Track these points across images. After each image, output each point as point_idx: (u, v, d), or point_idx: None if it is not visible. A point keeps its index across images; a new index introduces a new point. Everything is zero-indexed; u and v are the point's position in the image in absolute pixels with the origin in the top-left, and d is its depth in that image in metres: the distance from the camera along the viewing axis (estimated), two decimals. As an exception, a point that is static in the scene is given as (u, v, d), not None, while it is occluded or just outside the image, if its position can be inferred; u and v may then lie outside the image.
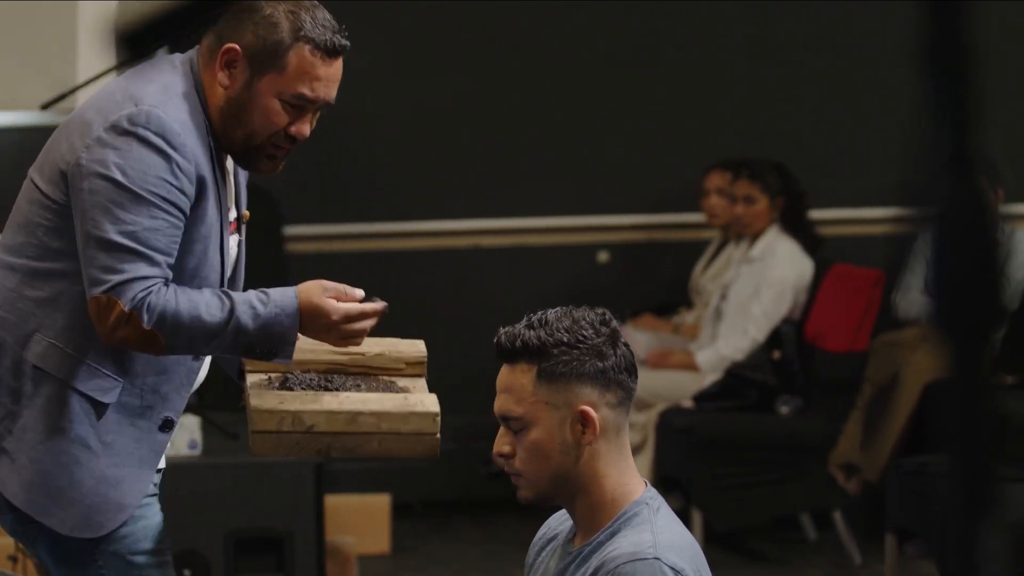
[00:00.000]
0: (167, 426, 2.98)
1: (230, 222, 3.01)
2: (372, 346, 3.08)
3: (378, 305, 2.95)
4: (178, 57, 2.97)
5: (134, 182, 2.78)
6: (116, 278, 2.77)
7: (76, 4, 5.74)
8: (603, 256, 6.92)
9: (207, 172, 2.87)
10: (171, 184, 2.81)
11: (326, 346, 2.99)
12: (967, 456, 1.14)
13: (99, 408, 2.91)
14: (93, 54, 5.45)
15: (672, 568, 2.49)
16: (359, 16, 6.67)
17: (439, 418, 2.85)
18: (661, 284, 6.86)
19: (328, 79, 2.91)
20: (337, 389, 2.98)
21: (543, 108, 6.83)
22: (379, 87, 6.56)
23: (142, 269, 2.78)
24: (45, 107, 5.34)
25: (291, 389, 2.96)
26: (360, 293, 2.96)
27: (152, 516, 3.01)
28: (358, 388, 3.00)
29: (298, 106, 2.89)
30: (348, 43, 2.93)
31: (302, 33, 2.87)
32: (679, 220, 6.90)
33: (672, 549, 2.53)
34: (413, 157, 6.78)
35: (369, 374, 3.06)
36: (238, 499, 4.95)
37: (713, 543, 5.95)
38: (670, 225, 6.93)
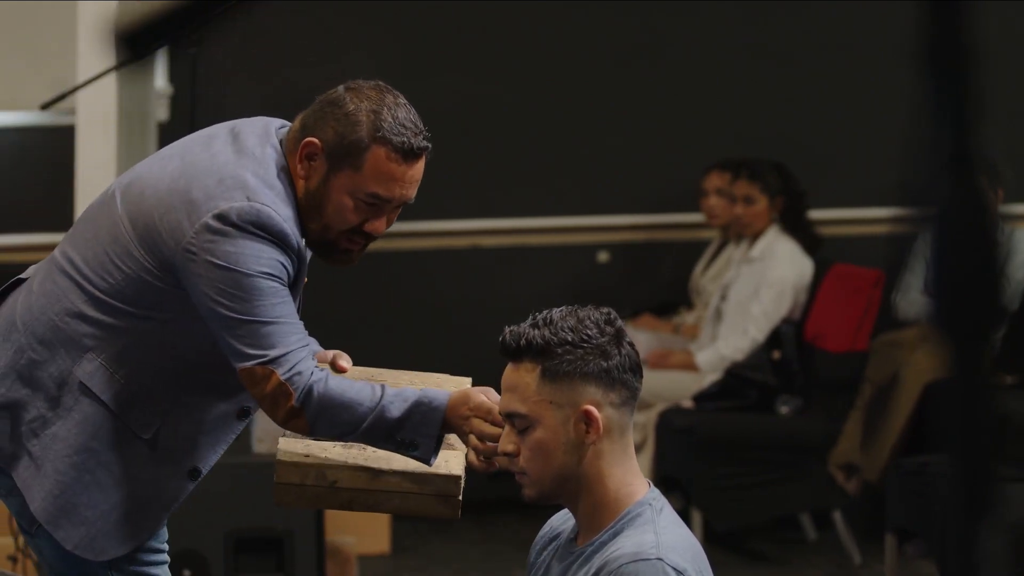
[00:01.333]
0: (194, 475, 3.00)
1: None
2: (416, 380, 3.08)
3: (346, 363, 2.98)
4: (270, 128, 2.96)
5: (249, 268, 2.81)
6: (271, 353, 2.82)
7: (76, 4, 5.74)
8: (603, 256, 6.92)
9: (305, 259, 2.94)
10: (282, 264, 2.85)
11: (369, 376, 3.01)
12: (967, 456, 1.14)
13: (134, 441, 2.94)
14: (93, 54, 5.45)
15: (675, 568, 2.49)
16: (360, 16, 6.69)
17: (462, 481, 2.85)
18: (661, 284, 6.86)
19: (405, 180, 2.93)
20: None
21: (543, 108, 6.83)
22: (379, 87, 6.56)
23: (291, 342, 2.83)
24: (45, 107, 5.34)
25: None
26: (344, 362, 3.00)
27: None
28: None
29: (373, 204, 2.91)
30: (429, 145, 2.95)
31: (380, 134, 2.88)
32: (679, 220, 6.90)
33: (675, 550, 2.53)
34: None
35: None
36: (238, 499, 4.95)
37: (713, 543, 5.94)
38: (670, 225, 6.93)
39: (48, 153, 6.50)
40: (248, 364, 2.82)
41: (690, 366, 6.23)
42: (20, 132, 6.65)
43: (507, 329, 2.66)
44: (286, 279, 2.87)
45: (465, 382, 3.12)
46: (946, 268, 1.13)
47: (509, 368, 2.66)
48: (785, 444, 6.02)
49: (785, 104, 6.85)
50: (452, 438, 3.00)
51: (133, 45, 1.45)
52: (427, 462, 2.89)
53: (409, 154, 2.91)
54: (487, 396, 2.89)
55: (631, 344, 2.67)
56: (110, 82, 5.54)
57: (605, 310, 2.66)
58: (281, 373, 2.81)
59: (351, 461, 2.87)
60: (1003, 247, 1.14)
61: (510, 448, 2.65)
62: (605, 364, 2.61)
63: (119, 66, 4.94)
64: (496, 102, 6.82)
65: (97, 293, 2.92)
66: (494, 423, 2.85)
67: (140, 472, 2.95)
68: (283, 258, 2.85)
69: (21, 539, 4.85)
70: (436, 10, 6.76)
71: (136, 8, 1.44)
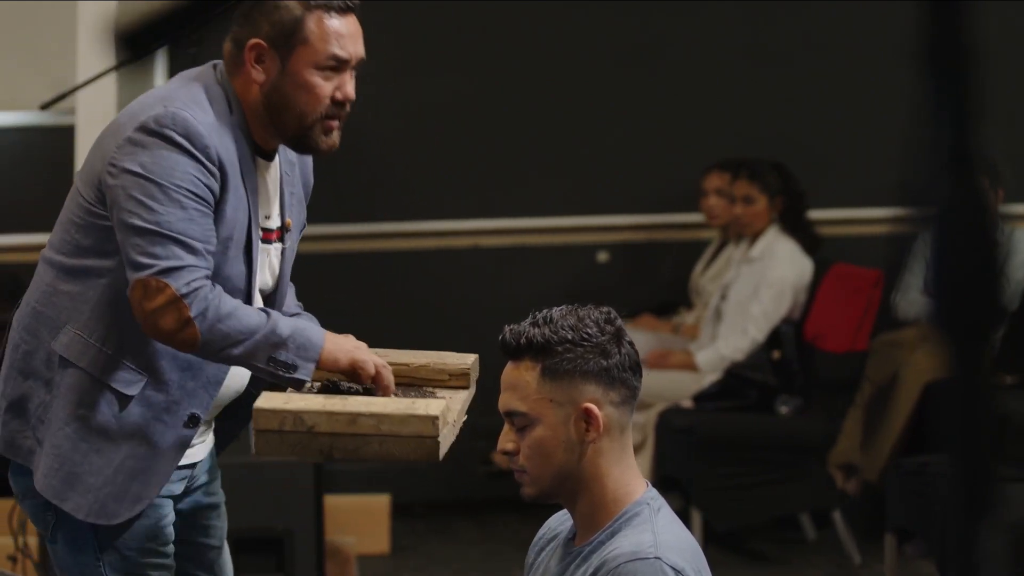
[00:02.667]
0: (193, 421, 3.01)
1: (271, 230, 3.07)
2: (420, 357, 3.14)
3: (389, 379, 3.01)
4: (207, 66, 3.04)
5: (161, 176, 2.86)
6: (164, 264, 2.84)
7: (76, 4, 5.74)
8: (603, 256, 6.91)
9: (232, 176, 2.93)
10: (198, 179, 2.88)
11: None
12: (967, 456, 1.14)
13: (123, 400, 2.96)
14: (93, 54, 5.45)
15: (673, 568, 2.50)
16: (360, 16, 6.68)
17: (438, 421, 2.84)
18: (661, 284, 6.86)
19: (351, 35, 3.01)
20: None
21: (543, 108, 6.83)
22: (379, 87, 6.56)
23: (187, 258, 2.85)
24: (45, 107, 5.34)
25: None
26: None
27: (158, 518, 3.04)
28: (395, 395, 3.01)
29: (335, 68, 2.97)
30: (357, 1, 3.03)
31: (310, 3, 2.96)
32: (679, 220, 6.90)
33: (673, 549, 2.54)
34: (413, 157, 6.78)
35: (413, 384, 3.09)
36: (238, 499, 4.93)
37: (713, 543, 5.95)
38: (670, 225, 6.93)
39: (48, 153, 6.49)
40: (142, 275, 2.84)
41: (690, 366, 6.23)
42: (20, 132, 6.65)
43: (507, 328, 2.66)
44: (206, 197, 2.89)
45: (470, 358, 3.16)
46: (946, 268, 1.13)
47: (509, 367, 2.67)
48: (785, 444, 6.02)
49: (785, 104, 6.85)
50: (443, 398, 3.02)
51: (133, 45, 1.45)
52: (301, 386, 2.92)
53: (343, 8, 3.00)
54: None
55: (631, 343, 2.68)
56: (110, 82, 5.54)
57: (605, 309, 2.67)
58: (177, 286, 2.83)
59: (328, 407, 2.88)
60: (1003, 247, 1.14)
61: (509, 447, 2.65)
62: (605, 363, 2.62)
63: (119, 66, 4.94)
64: (496, 102, 6.82)
65: (64, 260, 2.98)
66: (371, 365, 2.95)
67: (136, 429, 2.97)
68: (200, 172, 2.88)
69: (21, 539, 4.85)
70: (436, 10, 6.76)
71: (136, 8, 1.44)
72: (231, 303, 2.87)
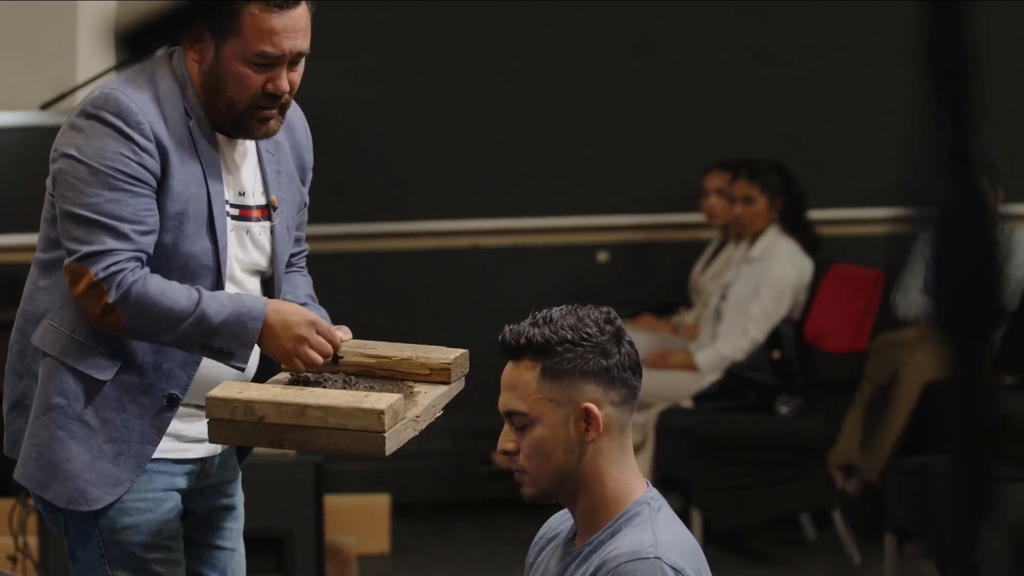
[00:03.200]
0: (171, 402, 3.01)
1: (249, 207, 3.04)
2: (404, 351, 3.13)
3: (345, 334, 3.01)
4: (169, 51, 3.04)
5: (92, 158, 2.87)
6: (85, 248, 2.85)
7: (76, 4, 5.74)
8: (603, 256, 6.91)
9: (178, 150, 2.92)
10: (129, 159, 2.88)
11: (360, 348, 3.07)
12: (967, 456, 1.14)
13: (96, 385, 2.96)
14: (93, 54, 5.45)
15: (673, 568, 2.49)
16: (360, 16, 6.68)
17: (384, 416, 2.82)
18: (661, 284, 6.86)
19: (288, 30, 2.94)
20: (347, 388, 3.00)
21: (543, 108, 6.83)
22: (379, 87, 6.56)
23: (109, 242, 2.85)
24: (45, 107, 5.34)
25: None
26: (342, 334, 3.02)
27: (162, 512, 3.03)
28: (371, 389, 3.00)
29: (265, 64, 2.93)
30: None
31: None
32: (679, 220, 6.90)
33: (673, 549, 2.54)
34: (413, 157, 6.78)
35: (394, 378, 3.07)
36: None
37: (713, 543, 5.95)
38: (670, 225, 6.93)
39: (48, 153, 6.48)
40: (68, 260, 2.87)
41: (689, 366, 6.23)
42: (20, 132, 6.65)
43: (507, 328, 2.66)
44: (139, 175, 2.88)
45: (455, 353, 3.15)
46: (946, 268, 1.13)
47: (509, 367, 2.66)
48: (785, 444, 6.02)
49: (785, 104, 6.85)
50: (417, 393, 3.01)
51: (133, 45, 1.45)
52: (242, 369, 2.91)
53: (283, 3, 2.93)
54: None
55: (631, 343, 2.68)
56: (110, 82, 5.53)
57: (605, 309, 2.67)
58: (96, 271, 2.84)
59: (280, 398, 2.87)
60: (1003, 247, 1.14)
61: (509, 446, 2.65)
62: (605, 362, 2.62)
63: (119, 66, 4.94)
64: (496, 102, 6.82)
65: (40, 257, 3.01)
66: (321, 333, 2.93)
67: (113, 414, 2.97)
68: (132, 152, 2.88)
69: (21, 539, 4.85)
70: (436, 10, 6.75)
71: (136, 8, 1.44)
72: (157, 287, 2.86)
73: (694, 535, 2.69)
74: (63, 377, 2.96)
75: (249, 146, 3.06)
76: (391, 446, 2.85)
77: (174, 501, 3.05)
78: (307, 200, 3.22)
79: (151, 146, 2.89)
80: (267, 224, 3.08)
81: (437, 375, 3.11)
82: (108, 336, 2.95)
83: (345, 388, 3.00)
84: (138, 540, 3.00)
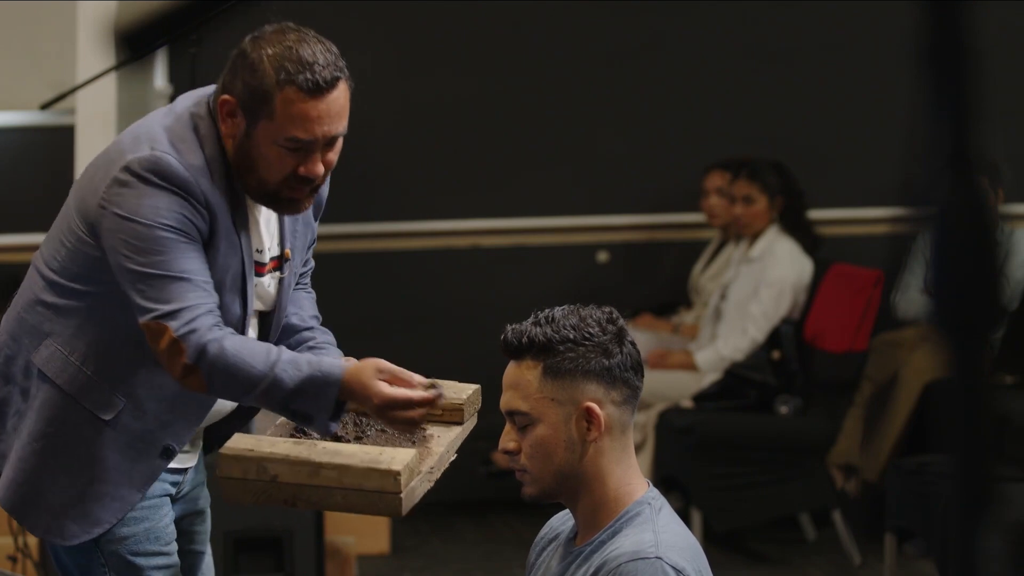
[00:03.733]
0: (167, 454, 2.97)
1: (263, 263, 3.00)
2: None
3: (429, 394, 2.83)
4: (202, 96, 2.96)
5: (149, 218, 2.79)
6: (164, 307, 2.78)
7: (76, 4, 5.74)
8: (603, 256, 6.92)
9: (223, 219, 2.87)
10: (184, 216, 2.81)
11: None
12: (967, 456, 1.14)
13: (96, 423, 2.92)
14: (93, 54, 5.45)
15: (674, 567, 2.50)
16: (359, 16, 6.69)
17: (400, 477, 2.77)
18: (661, 284, 6.86)
19: (322, 116, 2.84)
20: (360, 435, 2.95)
21: (543, 108, 6.83)
22: (379, 87, 6.56)
23: (186, 297, 2.79)
24: (45, 107, 5.34)
25: (306, 430, 2.94)
26: (418, 379, 2.86)
27: (158, 519, 3.02)
28: (383, 432, 2.96)
29: (297, 149, 2.85)
30: (340, 74, 2.87)
31: (283, 77, 2.82)
32: (679, 220, 6.90)
33: (674, 549, 2.54)
34: (412, 157, 6.78)
35: None
36: (238, 499, 4.94)
37: (713, 543, 5.95)
38: (670, 225, 6.94)
39: (48, 153, 6.49)
40: (146, 319, 2.79)
41: (689, 366, 6.23)
42: (20, 132, 6.65)
43: (509, 327, 2.67)
44: (194, 234, 2.82)
45: (468, 390, 3.08)
46: (946, 268, 1.13)
47: (511, 366, 2.67)
48: (785, 444, 6.02)
49: (785, 104, 6.85)
50: (430, 438, 2.97)
51: (133, 45, 1.45)
52: (324, 434, 2.84)
53: (316, 90, 2.83)
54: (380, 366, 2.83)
55: (633, 343, 2.68)
56: (110, 82, 5.54)
57: (607, 309, 2.67)
58: (175, 328, 2.77)
59: (293, 455, 2.81)
60: (1003, 247, 1.14)
61: (511, 446, 2.65)
62: (607, 362, 2.62)
63: (119, 66, 4.94)
64: (496, 102, 6.82)
65: (51, 275, 2.94)
66: (397, 382, 2.81)
67: (106, 454, 2.92)
68: (187, 210, 2.81)
69: (21, 539, 4.85)
70: (436, 10, 6.76)
71: (136, 8, 1.44)
72: (233, 347, 2.78)
73: (694, 535, 2.69)
74: (63, 408, 2.91)
75: None
76: (407, 505, 2.81)
77: (168, 506, 3.05)
78: (316, 236, 3.17)
79: (203, 210, 2.83)
80: (276, 275, 3.04)
81: (449, 415, 3.05)
82: (118, 377, 2.91)
83: (357, 431, 2.94)
84: (137, 548, 3.00)
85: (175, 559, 3.05)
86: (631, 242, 6.91)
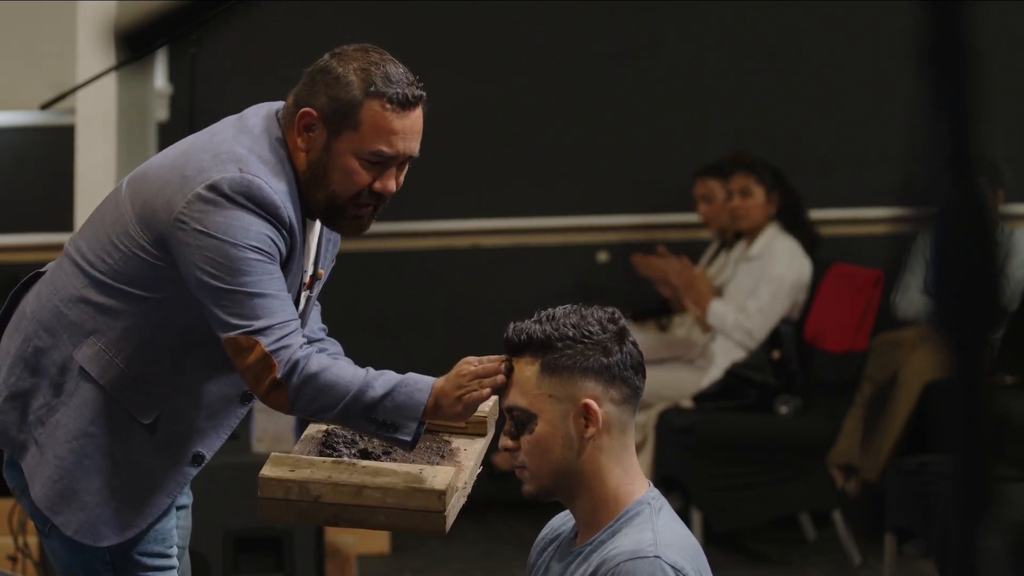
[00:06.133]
0: (197, 460, 3.00)
1: (306, 281, 3.03)
2: None
3: (498, 360, 2.78)
4: (273, 107, 2.97)
5: (239, 238, 2.79)
6: (256, 324, 2.78)
7: (76, 4, 5.74)
8: (603, 256, 6.92)
9: (296, 242, 2.89)
10: (271, 240, 2.82)
11: None
12: (967, 456, 1.15)
13: (134, 426, 2.93)
14: (92, 54, 5.45)
15: (673, 567, 2.50)
16: (359, 16, 6.68)
17: (445, 497, 2.80)
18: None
19: (405, 132, 2.91)
20: (388, 450, 2.95)
21: (543, 108, 6.83)
22: (379, 87, 6.56)
23: (278, 315, 2.80)
24: (45, 107, 5.34)
25: (334, 446, 2.95)
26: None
27: (163, 521, 3.03)
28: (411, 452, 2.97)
29: (378, 163, 2.90)
30: (423, 94, 2.96)
31: (372, 89, 2.88)
32: (679, 220, 6.90)
33: (673, 548, 2.54)
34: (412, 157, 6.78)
35: (429, 431, 3.00)
36: (238, 499, 4.94)
37: (713, 543, 5.95)
38: (670, 225, 6.94)
39: (48, 153, 6.50)
40: (232, 334, 2.79)
41: (704, 298, 6.23)
42: (20, 132, 6.65)
43: (511, 324, 2.69)
44: (277, 256, 2.83)
45: (488, 403, 3.04)
46: (946, 268, 1.13)
47: (511, 362, 2.68)
48: (785, 444, 6.02)
49: (785, 104, 6.85)
50: (457, 451, 2.98)
51: (133, 45, 1.45)
52: (408, 447, 2.83)
53: (405, 103, 2.91)
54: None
55: (634, 343, 2.69)
56: (110, 82, 5.54)
57: (610, 309, 2.68)
58: (266, 344, 2.77)
59: (335, 477, 2.83)
60: (1003, 247, 1.14)
61: (510, 443, 2.67)
62: (606, 360, 2.63)
63: (119, 66, 4.94)
64: (496, 102, 6.82)
65: (98, 275, 2.93)
66: (481, 376, 2.77)
67: (142, 458, 2.94)
68: (273, 233, 2.82)
69: (21, 539, 4.85)
70: (436, 10, 6.76)
71: (136, 8, 1.44)
72: (321, 364, 2.80)
73: (694, 535, 2.69)
74: (104, 408, 2.92)
75: (318, 224, 3.02)
76: (449, 523, 2.84)
77: (172, 510, 3.07)
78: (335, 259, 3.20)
79: (287, 236, 2.85)
80: (307, 294, 3.06)
81: (473, 427, 3.06)
82: (160, 381, 2.92)
83: (384, 445, 2.94)
84: (143, 549, 3.01)
85: (175, 562, 3.06)
86: (631, 242, 6.91)
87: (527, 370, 2.64)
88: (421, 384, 2.81)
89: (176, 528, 3.17)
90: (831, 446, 5.95)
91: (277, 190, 2.83)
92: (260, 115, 2.96)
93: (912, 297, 5.82)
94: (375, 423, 2.81)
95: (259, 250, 2.80)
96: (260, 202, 2.81)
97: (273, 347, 2.78)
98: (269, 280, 2.80)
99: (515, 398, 2.65)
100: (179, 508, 3.18)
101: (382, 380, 2.80)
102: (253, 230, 2.80)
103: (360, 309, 6.57)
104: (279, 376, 2.78)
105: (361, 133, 2.87)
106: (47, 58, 6.51)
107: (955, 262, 1.13)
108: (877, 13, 6.64)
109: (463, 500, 2.95)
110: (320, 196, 2.90)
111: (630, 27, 6.83)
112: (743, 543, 6.21)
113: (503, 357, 2.73)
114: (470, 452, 3.01)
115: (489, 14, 6.81)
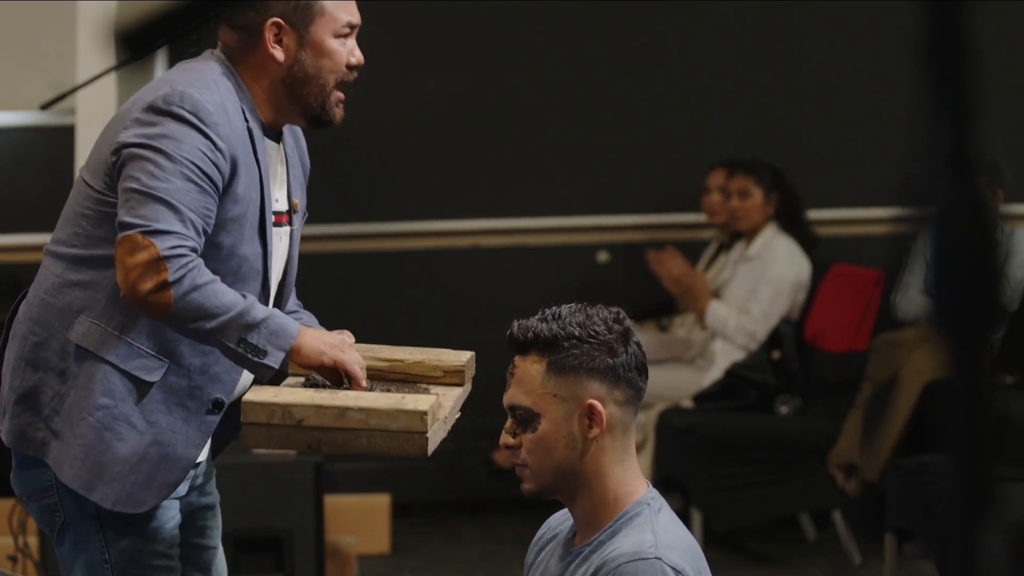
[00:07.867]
0: (217, 407, 3.01)
1: (280, 212, 3.07)
2: (415, 354, 3.14)
3: (348, 338, 3.04)
4: (206, 53, 3.05)
5: (167, 147, 2.85)
6: (155, 225, 2.82)
7: (76, 4, 5.74)
8: (603, 256, 6.92)
9: (241, 154, 2.94)
10: (206, 156, 2.87)
11: (370, 352, 3.07)
12: (967, 456, 1.14)
13: (144, 387, 2.95)
14: (92, 54, 5.45)
15: (673, 568, 2.50)
16: (359, 14, 6.68)
17: (427, 417, 2.83)
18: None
19: (353, 2, 3.10)
20: (369, 389, 3.00)
21: (543, 108, 6.83)
22: (379, 87, 6.56)
23: (178, 227, 2.83)
24: (45, 107, 5.34)
25: (316, 386, 3.00)
26: (345, 337, 3.05)
27: (165, 519, 3.03)
28: (388, 391, 3.00)
29: (348, 34, 3.06)
30: None
31: None
32: (679, 220, 6.91)
33: (673, 549, 2.54)
34: (412, 157, 6.78)
35: (407, 381, 3.09)
36: (238, 499, 4.95)
37: (713, 543, 5.95)
38: (670, 225, 6.94)
39: (48, 153, 6.50)
40: (131, 232, 2.81)
41: (702, 298, 6.23)
42: (20, 132, 6.65)
43: (515, 322, 2.68)
44: (212, 175, 2.88)
45: (465, 355, 3.17)
46: (946, 268, 1.13)
47: (515, 361, 2.68)
48: (785, 444, 6.02)
49: (785, 104, 6.85)
50: (436, 394, 3.01)
51: (133, 45, 1.45)
52: (266, 376, 2.89)
53: None
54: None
55: (639, 344, 2.68)
56: (110, 82, 5.54)
57: (615, 309, 2.68)
58: (161, 247, 2.80)
59: (318, 400, 2.87)
60: (1003, 247, 1.14)
61: (512, 440, 2.66)
62: (611, 361, 2.62)
63: (119, 66, 4.94)
64: (496, 102, 6.82)
65: (73, 252, 2.97)
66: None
67: (160, 417, 2.96)
68: (208, 151, 2.88)
69: (21, 539, 4.85)
70: (435, 10, 6.76)
71: (136, 8, 1.44)
72: (209, 277, 2.84)
73: (694, 535, 2.69)
74: (109, 377, 2.94)
75: (279, 150, 3.09)
76: (432, 447, 2.87)
77: (175, 508, 3.06)
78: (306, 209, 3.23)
79: (224, 147, 2.90)
80: (287, 229, 3.10)
81: (450, 377, 3.12)
82: (157, 337, 2.94)
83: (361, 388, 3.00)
84: (142, 547, 3.01)
85: (176, 563, 3.06)
86: (631, 242, 6.91)
87: (532, 368, 2.64)
88: (290, 320, 2.92)
89: (207, 528, 3.18)
90: (831, 446, 5.95)
91: (209, 99, 2.90)
92: (204, 55, 3.06)
93: (912, 297, 5.82)
94: (246, 344, 2.85)
95: (189, 162, 2.85)
96: (193, 110, 2.87)
97: (168, 253, 2.80)
98: (187, 195, 2.84)
99: (518, 397, 2.65)
100: (207, 508, 3.20)
101: (260, 307, 2.88)
102: (187, 143, 2.86)
103: (360, 309, 6.56)
104: (169, 279, 2.80)
105: (327, 14, 3.04)
106: (47, 58, 6.51)
107: (955, 262, 1.13)
108: (877, 13, 6.64)
109: (443, 434, 2.97)
110: (313, 93, 3.04)
111: (630, 27, 6.83)
112: (743, 543, 6.21)
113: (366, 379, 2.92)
114: (448, 396, 3.05)
115: (489, 14, 6.81)
